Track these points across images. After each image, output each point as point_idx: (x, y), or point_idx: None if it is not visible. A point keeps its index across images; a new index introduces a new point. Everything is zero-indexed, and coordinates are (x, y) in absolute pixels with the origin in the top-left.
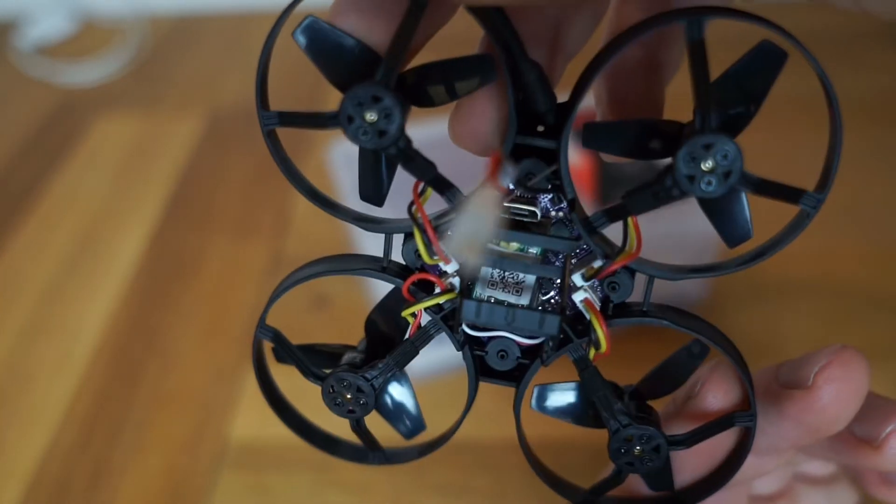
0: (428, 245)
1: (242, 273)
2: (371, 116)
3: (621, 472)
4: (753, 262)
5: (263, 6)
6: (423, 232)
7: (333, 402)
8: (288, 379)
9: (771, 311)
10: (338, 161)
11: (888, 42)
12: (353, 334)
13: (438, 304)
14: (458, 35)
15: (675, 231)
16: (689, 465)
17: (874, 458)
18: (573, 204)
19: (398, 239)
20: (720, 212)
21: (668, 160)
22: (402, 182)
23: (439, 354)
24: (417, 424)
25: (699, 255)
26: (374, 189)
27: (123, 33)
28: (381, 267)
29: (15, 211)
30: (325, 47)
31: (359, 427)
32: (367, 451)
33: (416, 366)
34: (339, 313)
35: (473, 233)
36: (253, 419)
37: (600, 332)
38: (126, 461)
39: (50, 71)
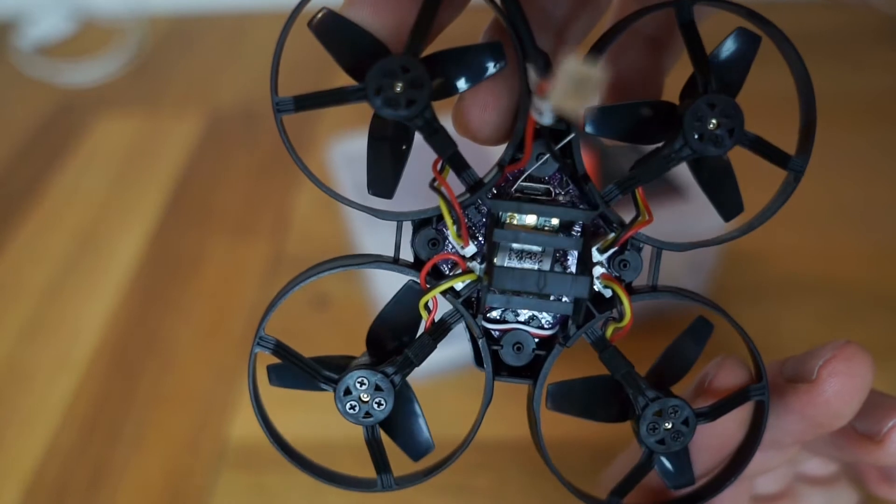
0: (455, 221)
1: (242, 273)
2: (400, 87)
3: (651, 456)
4: (750, 230)
5: (263, 6)
6: (450, 207)
7: (348, 407)
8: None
9: (771, 311)
10: (338, 161)
11: (888, 42)
12: (353, 334)
13: (456, 292)
14: (457, 37)
15: (675, 232)
16: (700, 460)
17: (876, 453)
18: (586, 178)
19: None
20: (716, 187)
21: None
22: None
23: (438, 356)
24: (426, 444)
25: (698, 256)
26: (384, 179)
27: (123, 33)
28: (392, 259)
29: (15, 211)
30: (339, 39)
31: (373, 437)
32: (373, 480)
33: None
34: (340, 313)
35: (580, 76)
36: (253, 419)
37: (625, 300)
38: (126, 461)
39: (49, 71)
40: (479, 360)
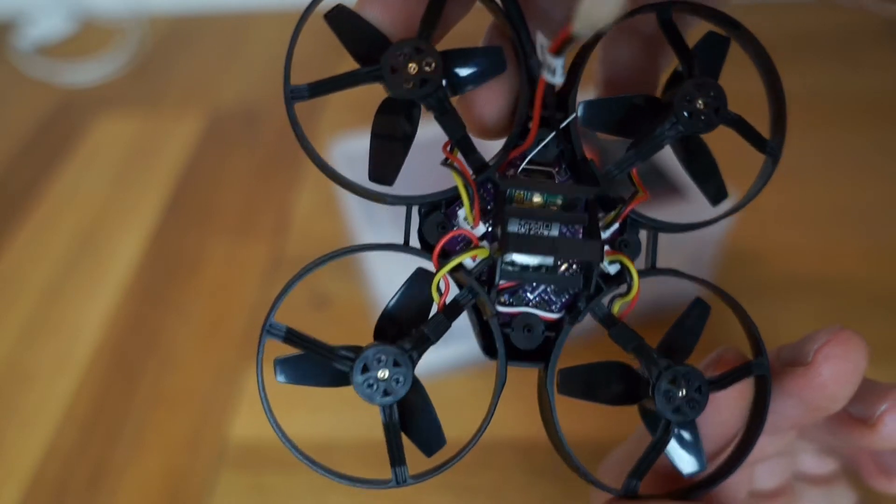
0: (470, 197)
1: (242, 273)
2: (414, 67)
3: (668, 429)
4: (734, 212)
5: (263, 6)
6: (465, 182)
7: (366, 385)
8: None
9: (771, 311)
10: (338, 161)
11: (888, 42)
12: (353, 334)
13: (467, 271)
14: (465, 36)
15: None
16: (706, 442)
17: (870, 437)
18: (585, 160)
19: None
20: (703, 175)
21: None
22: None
23: (440, 355)
24: (440, 438)
25: (698, 254)
26: (386, 167)
27: (123, 33)
28: (403, 243)
29: (15, 211)
30: (351, 32)
31: (391, 421)
32: (385, 479)
33: (417, 365)
34: (339, 313)
35: None
36: (253, 419)
37: (632, 269)
38: (126, 461)
39: (49, 71)
40: (488, 347)
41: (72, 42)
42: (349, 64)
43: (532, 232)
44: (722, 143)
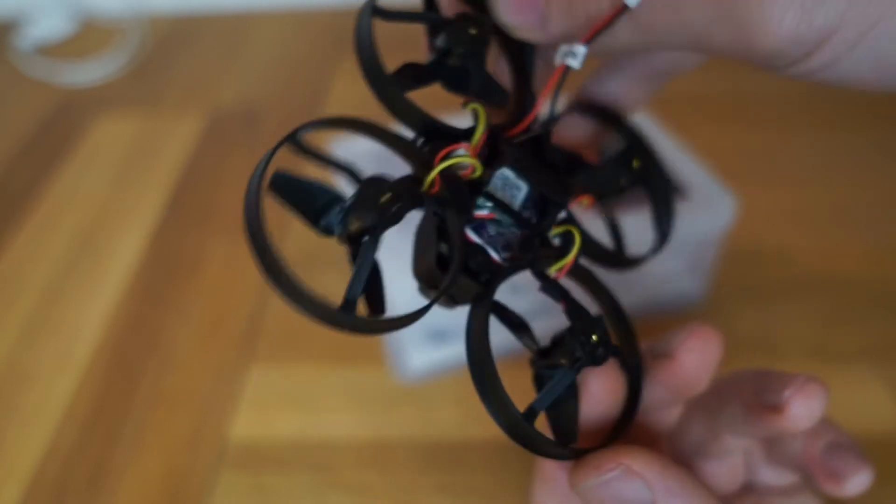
0: (485, 126)
1: (242, 273)
2: (473, 30)
3: (574, 364)
4: (643, 262)
5: (263, 6)
6: (487, 115)
7: (363, 205)
8: (288, 377)
9: (771, 311)
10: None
11: None
12: (357, 337)
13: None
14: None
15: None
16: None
17: (781, 422)
18: (553, 166)
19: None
20: (617, 234)
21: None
22: None
23: (440, 355)
24: (382, 303)
25: (698, 256)
26: (410, 82)
27: (123, 33)
28: (412, 140)
29: (15, 211)
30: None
31: (367, 245)
32: (338, 310)
33: (417, 365)
34: None
35: None
36: (253, 419)
37: (577, 235)
38: (126, 461)
39: (50, 71)
40: (441, 260)
41: (72, 42)
42: (350, 62)
43: (510, 185)
44: (722, 142)
